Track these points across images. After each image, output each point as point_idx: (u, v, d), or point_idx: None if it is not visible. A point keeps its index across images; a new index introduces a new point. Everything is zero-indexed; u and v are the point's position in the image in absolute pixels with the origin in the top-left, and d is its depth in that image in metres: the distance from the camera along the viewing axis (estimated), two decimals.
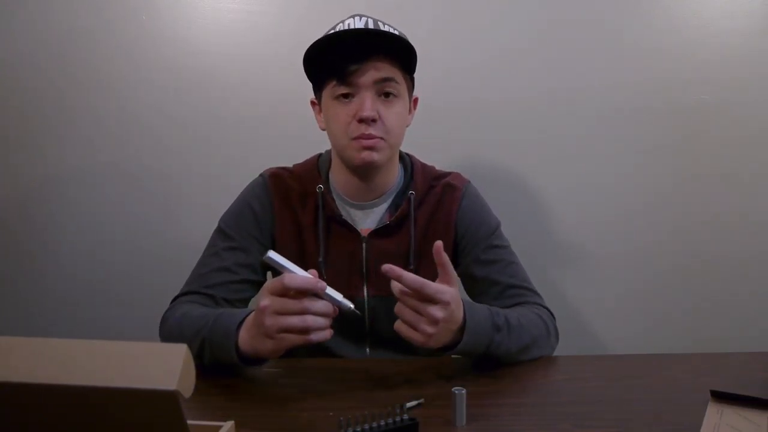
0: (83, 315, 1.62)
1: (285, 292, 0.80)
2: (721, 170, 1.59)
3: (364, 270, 1.10)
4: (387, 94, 1.03)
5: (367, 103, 1.00)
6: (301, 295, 0.80)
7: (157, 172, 1.60)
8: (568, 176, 1.60)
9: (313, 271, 0.83)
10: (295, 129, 1.53)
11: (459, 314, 0.88)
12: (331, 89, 1.04)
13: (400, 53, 1.03)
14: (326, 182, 1.12)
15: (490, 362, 0.95)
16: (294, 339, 0.81)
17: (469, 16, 1.56)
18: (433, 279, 0.86)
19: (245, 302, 1.10)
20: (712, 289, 1.61)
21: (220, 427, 0.64)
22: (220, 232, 1.10)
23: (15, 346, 0.55)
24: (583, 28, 1.56)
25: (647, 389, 0.89)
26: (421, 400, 0.82)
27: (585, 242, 1.61)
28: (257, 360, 0.89)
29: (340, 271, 1.09)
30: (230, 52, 1.56)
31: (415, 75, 1.10)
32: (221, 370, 0.91)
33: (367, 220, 1.12)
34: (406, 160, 1.17)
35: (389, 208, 1.12)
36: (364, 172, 1.07)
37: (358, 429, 0.69)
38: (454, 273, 0.88)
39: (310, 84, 1.10)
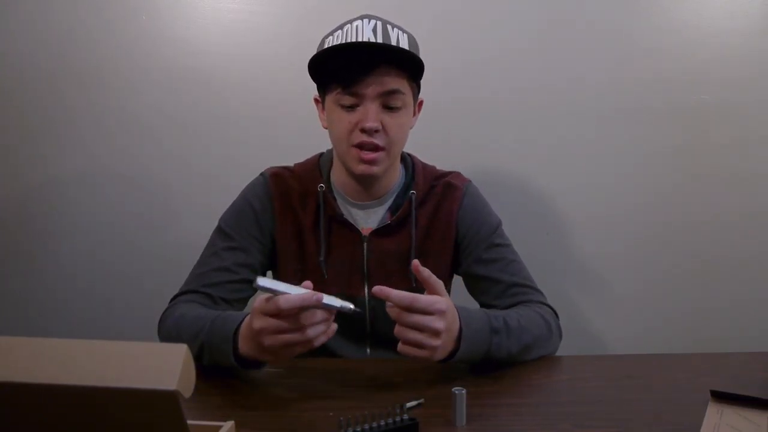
0: (83, 315, 1.62)
1: (279, 313, 0.78)
2: (721, 170, 1.59)
3: (365, 270, 1.10)
4: (392, 108, 1.01)
5: (371, 114, 0.99)
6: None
7: (157, 172, 1.60)
8: (568, 176, 1.60)
9: (308, 282, 0.81)
10: (295, 129, 1.53)
11: (456, 322, 0.87)
12: (335, 95, 1.02)
13: (406, 63, 1.01)
14: (327, 182, 1.11)
15: (490, 363, 0.95)
16: (297, 351, 0.81)
17: (469, 16, 1.56)
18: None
19: (244, 302, 1.10)
20: (712, 289, 1.61)
21: (220, 427, 0.64)
22: (220, 231, 1.10)
23: (15, 346, 0.55)
24: (583, 28, 1.56)
25: (647, 389, 0.89)
26: (421, 400, 0.82)
27: (585, 242, 1.62)
28: (256, 363, 0.88)
29: (341, 271, 1.09)
30: (230, 52, 1.56)
31: None
32: (221, 370, 0.91)
33: (368, 219, 1.11)
34: (407, 160, 1.17)
35: (390, 207, 1.12)
36: (364, 180, 1.08)
37: (358, 429, 0.69)
38: (440, 283, 0.87)
39: (311, 84, 1.09)
